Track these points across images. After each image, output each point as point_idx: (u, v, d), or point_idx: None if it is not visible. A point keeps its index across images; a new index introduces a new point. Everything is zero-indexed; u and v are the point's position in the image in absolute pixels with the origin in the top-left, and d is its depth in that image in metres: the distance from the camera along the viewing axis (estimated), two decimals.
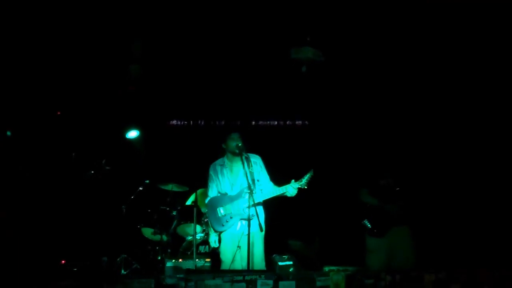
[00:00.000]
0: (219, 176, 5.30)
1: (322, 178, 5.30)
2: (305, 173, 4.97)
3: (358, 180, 5.59)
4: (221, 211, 5.14)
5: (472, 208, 6.16)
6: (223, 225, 5.13)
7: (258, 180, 5.15)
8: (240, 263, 4.97)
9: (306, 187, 4.94)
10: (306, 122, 7.53)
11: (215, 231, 5.24)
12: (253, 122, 7.55)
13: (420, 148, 6.48)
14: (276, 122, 7.63)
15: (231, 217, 5.11)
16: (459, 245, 6.09)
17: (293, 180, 4.97)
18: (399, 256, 5.26)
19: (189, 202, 6.96)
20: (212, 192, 5.34)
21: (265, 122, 7.57)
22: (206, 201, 5.40)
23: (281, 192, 5.04)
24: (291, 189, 4.95)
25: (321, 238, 7.08)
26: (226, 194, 5.24)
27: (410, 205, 5.31)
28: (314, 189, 5.07)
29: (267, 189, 5.15)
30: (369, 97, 7.00)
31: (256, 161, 5.27)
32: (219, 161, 5.38)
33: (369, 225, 5.38)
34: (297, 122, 7.57)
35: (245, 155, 5.15)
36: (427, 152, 6.48)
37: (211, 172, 5.34)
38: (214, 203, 5.24)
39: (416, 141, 6.58)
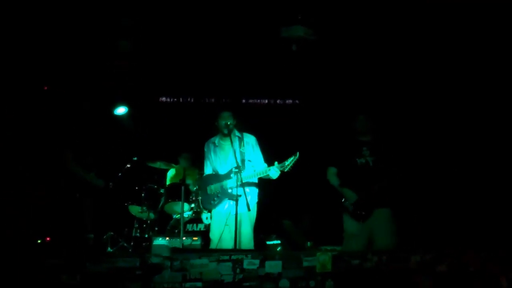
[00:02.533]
0: (212, 154, 5.28)
1: (312, 159, 5.27)
2: (289, 156, 4.87)
3: (328, 158, 5.45)
4: (210, 189, 5.14)
5: (456, 189, 6.17)
6: (210, 203, 5.14)
7: (249, 161, 5.14)
8: (230, 243, 4.95)
9: (289, 170, 4.83)
10: (297, 101, 7.53)
11: (204, 208, 5.27)
12: (243, 100, 7.51)
13: (407, 128, 6.48)
14: (266, 101, 7.60)
15: (218, 196, 5.11)
16: (444, 227, 6.07)
17: (276, 163, 4.91)
18: (379, 240, 5.05)
19: (169, 179, 6.97)
20: (207, 169, 5.32)
21: (256, 101, 7.54)
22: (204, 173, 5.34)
23: (263, 174, 4.96)
24: (273, 172, 4.88)
25: (310, 217, 7.11)
26: (217, 172, 5.23)
27: (391, 186, 5.12)
28: (305, 168, 5.02)
29: (257, 169, 5.08)
30: (361, 76, 6.98)
31: (249, 141, 5.24)
32: (213, 139, 5.34)
33: (350, 208, 5.16)
34: (287, 101, 7.54)
35: (238, 135, 5.13)
36: (413, 132, 6.47)
37: (206, 150, 5.32)
38: (205, 181, 5.25)
39: (404, 121, 6.59)
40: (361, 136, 5.34)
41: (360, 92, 7.05)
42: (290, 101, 7.53)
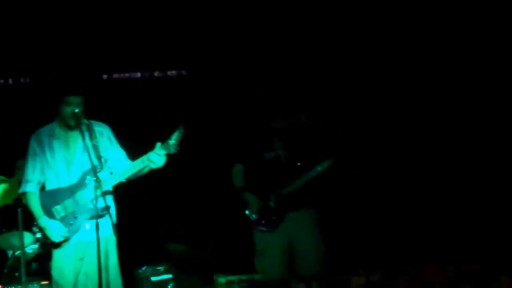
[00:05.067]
0: (47, 150, 4.95)
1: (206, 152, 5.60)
2: (172, 132, 4.77)
3: (231, 151, 5.69)
4: (58, 210, 4.86)
5: (403, 192, 6.65)
6: (68, 231, 4.84)
7: (106, 160, 4.96)
8: (85, 284, 4.79)
9: (176, 151, 4.76)
10: (184, 72, 7.60)
11: (52, 243, 4.87)
12: (105, 76, 7.48)
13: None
14: (139, 74, 7.62)
15: (75, 217, 4.85)
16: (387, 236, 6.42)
17: (158, 144, 4.75)
18: (301, 251, 5.22)
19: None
20: (35, 175, 4.93)
21: (123, 75, 7.56)
22: (22, 189, 4.97)
23: (141, 167, 4.81)
24: (155, 157, 4.73)
25: (215, 238, 7.24)
26: (57, 178, 4.92)
27: (314, 186, 5.34)
28: (198, 165, 5.43)
29: (121, 168, 4.93)
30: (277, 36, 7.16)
31: (103, 130, 5.03)
32: (45, 129, 5.04)
33: (254, 216, 5.33)
34: (169, 73, 7.58)
35: (86, 122, 4.91)
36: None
37: (34, 145, 4.98)
38: (45, 200, 4.89)
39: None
40: (275, 122, 5.53)
41: (277, 58, 7.26)
42: (174, 72, 7.59)
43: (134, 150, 5.07)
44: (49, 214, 4.88)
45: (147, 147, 4.93)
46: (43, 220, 4.81)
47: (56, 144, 4.97)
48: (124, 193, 5.07)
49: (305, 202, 5.35)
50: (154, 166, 4.79)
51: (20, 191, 4.94)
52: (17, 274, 6.00)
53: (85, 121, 4.91)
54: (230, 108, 7.45)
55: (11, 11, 6.42)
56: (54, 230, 4.81)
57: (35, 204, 4.88)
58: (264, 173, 5.41)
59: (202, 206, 7.39)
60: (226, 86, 7.51)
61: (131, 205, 5.41)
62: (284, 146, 5.44)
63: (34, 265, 6.23)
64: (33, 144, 4.98)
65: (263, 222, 5.33)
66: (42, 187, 5.03)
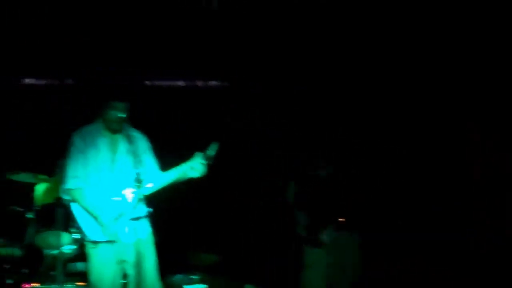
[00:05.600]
0: (91, 149, 4.99)
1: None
2: (210, 143, 4.90)
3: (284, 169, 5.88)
4: (105, 209, 4.87)
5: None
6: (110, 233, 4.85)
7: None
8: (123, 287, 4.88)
9: (213, 161, 4.89)
10: (226, 83, 7.60)
11: (92, 242, 4.88)
12: (147, 82, 7.50)
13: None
14: (182, 83, 7.62)
15: (115, 219, 4.86)
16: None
17: (198, 153, 4.88)
18: (339, 274, 5.45)
19: (39, 198, 6.78)
20: (80, 172, 4.94)
21: (166, 82, 7.58)
22: (72, 185, 4.98)
23: (181, 174, 4.93)
24: (197, 165, 4.83)
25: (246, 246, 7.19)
26: (101, 180, 4.95)
27: (356, 206, 5.50)
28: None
29: (157, 177, 5.03)
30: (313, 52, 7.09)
31: (139, 137, 5.13)
32: (89, 128, 5.09)
33: (303, 232, 5.49)
34: (210, 83, 7.56)
35: (127, 128, 5.01)
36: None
37: (77, 143, 5.00)
38: (87, 195, 4.90)
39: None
40: (318, 142, 5.79)
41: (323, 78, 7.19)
42: (215, 82, 7.58)
43: (169, 158, 5.15)
44: (92, 207, 4.90)
45: (182, 156, 5.03)
46: (96, 211, 4.85)
47: (100, 143, 5.02)
48: (160, 200, 5.07)
49: (350, 223, 5.48)
50: (195, 175, 4.87)
51: (67, 187, 4.94)
52: (53, 273, 6.10)
53: (127, 127, 4.98)
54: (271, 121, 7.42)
55: (61, 14, 6.49)
56: (109, 222, 4.85)
57: (86, 198, 4.91)
58: (315, 192, 5.52)
59: (236, 218, 7.40)
60: (266, 99, 7.48)
61: (166, 212, 5.38)
62: (329, 164, 5.59)
63: (70, 266, 6.30)
64: (76, 142, 5.00)
65: (310, 238, 5.45)
66: None
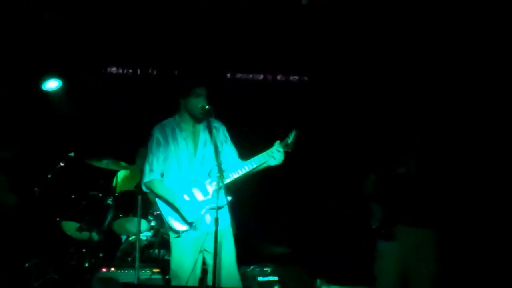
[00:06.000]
0: (171, 142, 5.07)
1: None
2: (288, 133, 5.02)
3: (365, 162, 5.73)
4: (186, 198, 4.91)
5: None
6: (191, 220, 4.88)
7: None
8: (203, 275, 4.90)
9: (292, 150, 5.00)
10: (305, 77, 7.54)
11: (174, 231, 4.93)
12: (229, 75, 7.52)
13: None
14: (262, 76, 7.61)
15: (200, 207, 4.91)
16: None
17: (277, 142, 4.96)
18: (412, 272, 5.36)
19: (119, 185, 6.98)
20: (159, 166, 5.01)
21: (246, 76, 7.59)
22: (148, 178, 5.04)
23: (261, 162, 4.96)
24: (276, 153, 4.91)
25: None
26: (180, 172, 5.01)
27: (437, 202, 5.35)
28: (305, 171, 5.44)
29: (236, 166, 5.02)
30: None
31: (219, 127, 5.15)
32: (169, 121, 5.18)
33: (376, 225, 5.44)
34: (291, 78, 7.51)
35: (210, 118, 5.02)
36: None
37: (158, 136, 5.09)
38: (166, 187, 4.96)
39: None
40: (415, 139, 5.55)
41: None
42: (296, 77, 7.53)
43: (247, 148, 5.17)
44: (175, 198, 4.94)
45: (260, 147, 5.02)
46: (179, 200, 4.87)
47: (180, 136, 5.06)
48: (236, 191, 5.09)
49: (425, 220, 5.39)
50: (274, 163, 4.91)
51: (146, 179, 4.99)
52: (129, 258, 6.27)
53: (208, 117, 4.97)
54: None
55: (145, 5, 6.52)
56: (190, 209, 4.87)
57: (165, 189, 4.96)
58: (393, 186, 5.45)
59: (312, 212, 7.40)
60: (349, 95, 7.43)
61: (242, 204, 5.30)
62: (417, 162, 5.44)
63: (146, 252, 6.41)
64: (156, 135, 5.07)
65: (383, 231, 5.42)
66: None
